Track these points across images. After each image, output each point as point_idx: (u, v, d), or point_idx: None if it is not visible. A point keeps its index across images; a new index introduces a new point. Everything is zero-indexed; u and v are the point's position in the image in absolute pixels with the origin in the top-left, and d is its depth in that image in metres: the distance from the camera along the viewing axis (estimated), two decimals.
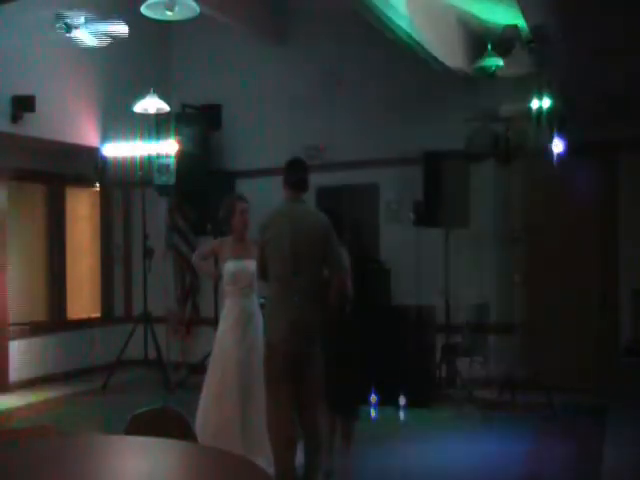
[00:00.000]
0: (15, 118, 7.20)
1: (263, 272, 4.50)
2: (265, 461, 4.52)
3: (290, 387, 4.35)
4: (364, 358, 5.03)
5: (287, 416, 4.37)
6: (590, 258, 7.52)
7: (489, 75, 6.43)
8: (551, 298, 7.58)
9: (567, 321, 7.52)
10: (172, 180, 8.33)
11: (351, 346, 4.80)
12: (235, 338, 5.11)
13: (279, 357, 4.34)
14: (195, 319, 9.01)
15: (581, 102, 6.49)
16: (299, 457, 4.50)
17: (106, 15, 6.60)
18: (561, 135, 6.44)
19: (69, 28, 6.21)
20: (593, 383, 7.17)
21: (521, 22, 6.10)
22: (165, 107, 7.94)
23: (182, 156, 8.30)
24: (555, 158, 6.73)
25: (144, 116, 8.04)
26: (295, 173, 4.57)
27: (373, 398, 6.86)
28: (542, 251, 7.60)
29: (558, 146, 6.52)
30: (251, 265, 4.98)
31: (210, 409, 5.10)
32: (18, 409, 7.34)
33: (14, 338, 8.08)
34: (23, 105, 7.17)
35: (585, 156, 7.41)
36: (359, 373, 4.87)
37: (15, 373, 8.06)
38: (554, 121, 6.41)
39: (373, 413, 6.83)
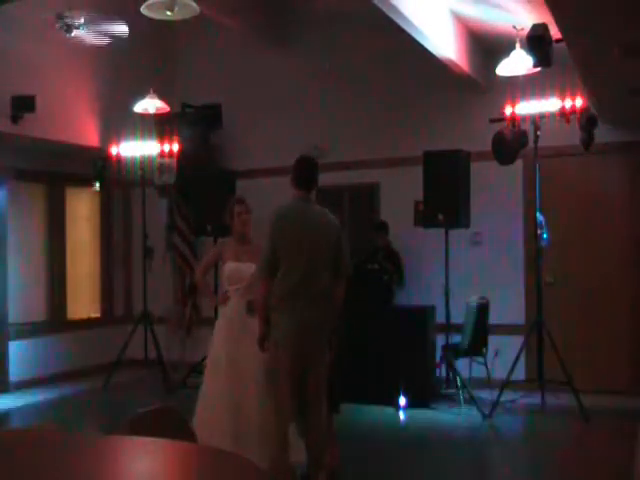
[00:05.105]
0: (15, 118, 7.20)
1: (271, 269, 4.39)
2: (259, 460, 4.51)
3: (295, 386, 4.34)
4: (359, 355, 5.01)
5: (290, 416, 4.36)
6: (620, 258, 7.48)
7: None
8: (583, 299, 7.54)
9: (599, 322, 7.50)
10: (172, 180, 8.34)
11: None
12: (226, 336, 5.15)
13: (288, 356, 4.32)
14: (195, 319, 9.01)
15: (611, 100, 6.43)
16: (301, 456, 4.51)
17: (106, 15, 6.59)
18: (591, 133, 6.37)
19: (69, 28, 6.19)
20: (626, 385, 7.21)
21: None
22: (165, 107, 7.95)
23: (182, 156, 8.30)
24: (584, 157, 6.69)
25: (144, 116, 8.04)
26: (305, 171, 4.53)
27: (402, 400, 6.89)
28: (572, 251, 7.56)
29: (588, 145, 6.44)
30: (248, 268, 5.01)
31: (205, 408, 5.12)
32: (18, 409, 7.34)
33: (14, 338, 8.08)
34: (23, 105, 7.16)
35: (615, 155, 7.44)
36: (341, 368, 4.85)
37: (15, 373, 8.06)
38: (584, 120, 6.36)
39: (402, 416, 6.85)
